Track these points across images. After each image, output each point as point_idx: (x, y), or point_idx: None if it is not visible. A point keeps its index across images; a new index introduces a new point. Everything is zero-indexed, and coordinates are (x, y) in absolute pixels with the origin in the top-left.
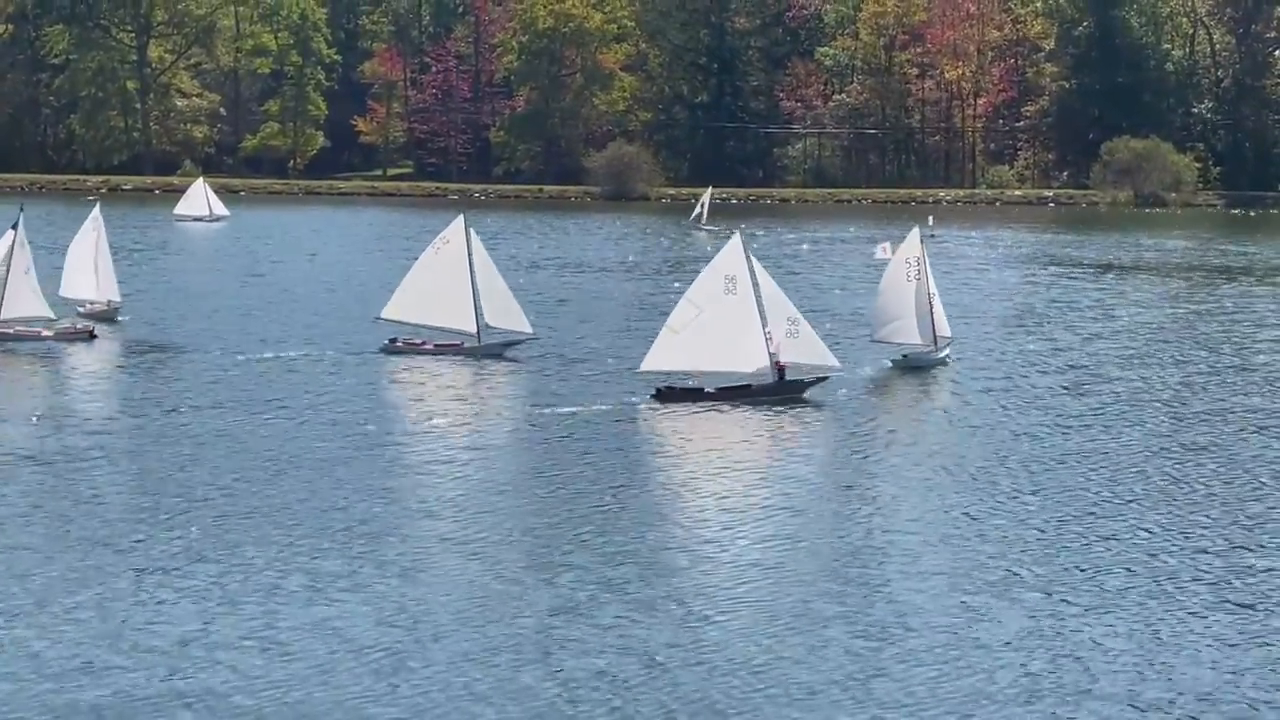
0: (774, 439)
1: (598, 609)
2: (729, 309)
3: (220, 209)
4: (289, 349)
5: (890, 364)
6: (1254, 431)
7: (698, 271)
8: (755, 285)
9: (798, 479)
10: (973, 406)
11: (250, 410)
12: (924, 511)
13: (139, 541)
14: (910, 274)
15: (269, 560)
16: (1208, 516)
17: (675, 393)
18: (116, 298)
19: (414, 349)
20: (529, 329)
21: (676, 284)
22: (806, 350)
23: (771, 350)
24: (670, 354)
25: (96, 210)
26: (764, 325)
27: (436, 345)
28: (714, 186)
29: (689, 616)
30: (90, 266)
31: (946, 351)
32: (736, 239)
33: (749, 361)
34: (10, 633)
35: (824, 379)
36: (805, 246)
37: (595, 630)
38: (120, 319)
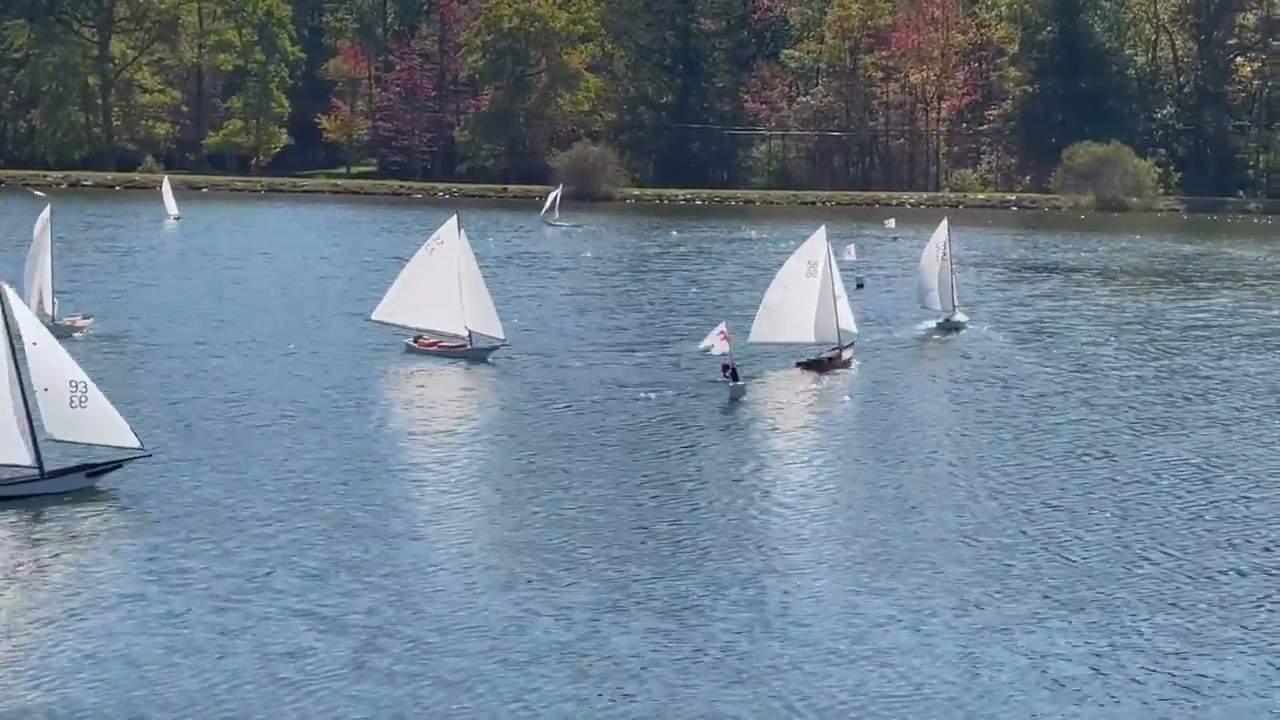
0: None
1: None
2: (810, 289)
3: (174, 209)
4: (289, 347)
5: (935, 325)
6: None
7: (547, 265)
8: (830, 267)
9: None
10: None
11: (272, 409)
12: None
13: (155, 541)
14: (938, 255)
15: (339, 560)
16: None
17: (815, 364)
18: (50, 311)
19: (425, 349)
20: (502, 334)
21: (537, 279)
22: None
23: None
24: (768, 327)
25: (46, 212)
26: (835, 302)
27: (441, 346)
28: (679, 189)
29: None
30: (27, 274)
31: (963, 316)
32: (821, 230)
33: (826, 333)
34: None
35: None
36: (654, 250)
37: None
38: (76, 336)
